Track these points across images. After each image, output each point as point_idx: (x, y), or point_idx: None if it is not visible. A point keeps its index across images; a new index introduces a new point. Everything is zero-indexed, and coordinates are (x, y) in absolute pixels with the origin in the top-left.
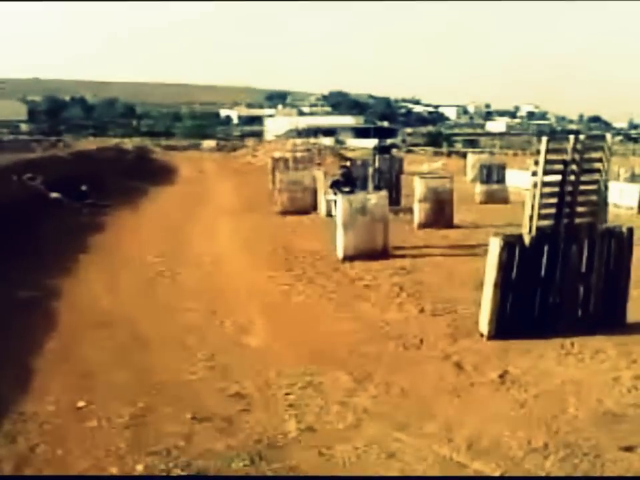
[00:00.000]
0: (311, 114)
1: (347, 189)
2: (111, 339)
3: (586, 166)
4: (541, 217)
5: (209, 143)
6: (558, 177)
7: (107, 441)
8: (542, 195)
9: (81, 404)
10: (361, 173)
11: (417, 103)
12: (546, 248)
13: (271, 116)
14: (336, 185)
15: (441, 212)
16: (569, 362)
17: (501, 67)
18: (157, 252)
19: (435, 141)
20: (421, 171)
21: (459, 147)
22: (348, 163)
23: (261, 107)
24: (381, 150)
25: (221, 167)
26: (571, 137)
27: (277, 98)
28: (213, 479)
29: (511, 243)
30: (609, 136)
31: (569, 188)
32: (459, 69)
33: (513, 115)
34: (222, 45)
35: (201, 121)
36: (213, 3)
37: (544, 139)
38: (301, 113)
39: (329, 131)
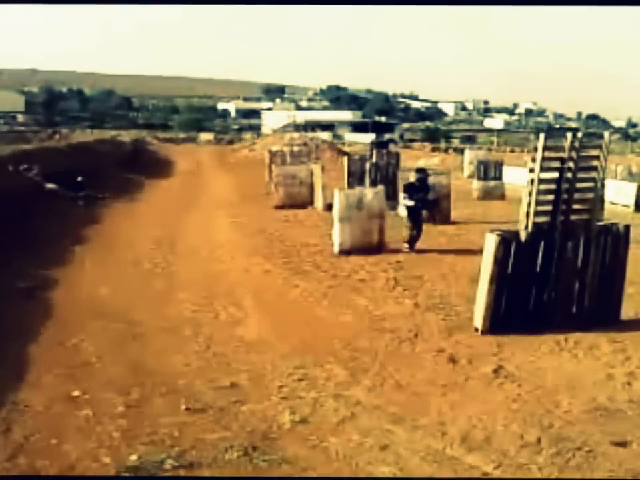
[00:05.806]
0: (309, 108)
1: (419, 195)
2: (107, 329)
3: (583, 163)
4: (537, 213)
5: (206, 136)
6: (555, 174)
7: (101, 430)
8: (538, 192)
9: (75, 393)
10: (358, 167)
11: (415, 98)
12: (542, 244)
13: (268, 109)
14: (410, 190)
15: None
16: (563, 357)
17: (500, 64)
18: (153, 244)
19: (432, 136)
20: (418, 167)
21: (456, 143)
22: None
23: (259, 100)
24: (379, 145)
25: (218, 160)
26: (569, 134)
27: (274, 92)
28: None
29: (507, 239)
30: (606, 134)
31: (566, 185)
32: (458, 65)
33: (511, 111)
34: (220, 38)
35: (198, 114)
36: None
37: (541, 135)
38: (299, 107)
39: (327, 126)
